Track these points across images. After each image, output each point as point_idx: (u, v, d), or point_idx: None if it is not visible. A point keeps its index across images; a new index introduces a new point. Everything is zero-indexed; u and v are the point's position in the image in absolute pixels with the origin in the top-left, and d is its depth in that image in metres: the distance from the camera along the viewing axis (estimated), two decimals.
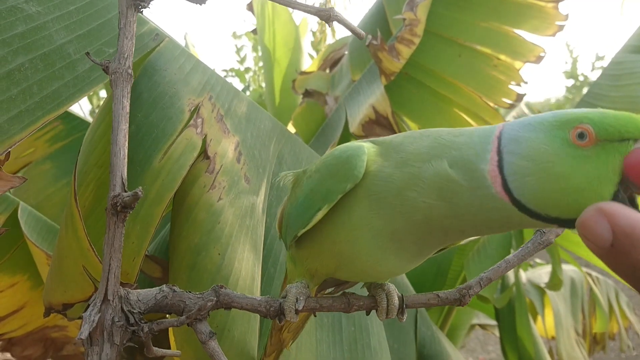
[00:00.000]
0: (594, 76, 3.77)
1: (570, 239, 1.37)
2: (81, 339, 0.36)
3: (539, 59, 1.23)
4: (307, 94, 1.78)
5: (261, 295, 0.65)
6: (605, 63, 3.68)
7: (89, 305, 0.39)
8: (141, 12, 0.41)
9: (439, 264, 1.47)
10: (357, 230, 0.36)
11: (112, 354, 0.36)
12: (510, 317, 1.41)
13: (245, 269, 0.63)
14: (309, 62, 2.68)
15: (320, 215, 0.37)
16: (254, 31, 2.73)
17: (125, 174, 0.36)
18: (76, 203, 0.56)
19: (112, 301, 0.37)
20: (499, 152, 0.31)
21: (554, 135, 0.30)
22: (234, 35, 4.53)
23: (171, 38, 0.65)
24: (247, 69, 4.55)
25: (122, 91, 0.38)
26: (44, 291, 0.62)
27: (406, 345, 1.16)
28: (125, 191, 0.37)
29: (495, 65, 1.26)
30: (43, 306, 1.14)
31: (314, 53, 4.59)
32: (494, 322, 1.70)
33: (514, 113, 2.48)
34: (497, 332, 1.67)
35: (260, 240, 0.69)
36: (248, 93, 4.33)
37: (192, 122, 0.62)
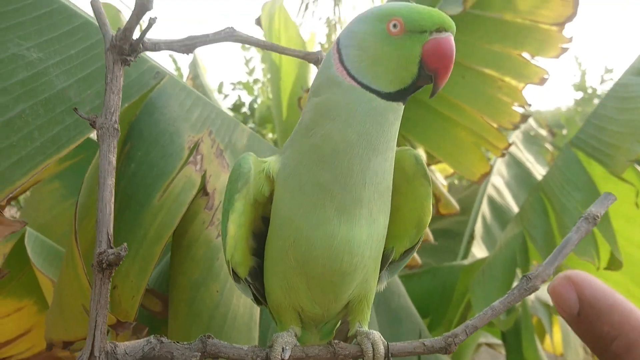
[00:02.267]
0: (602, 89, 3.73)
1: (578, 262, 1.35)
2: None
3: (542, 81, 1.22)
4: None
5: (260, 333, 0.65)
6: (614, 76, 3.66)
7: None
8: (128, 65, 0.42)
9: (444, 285, 1.47)
10: (294, 216, 0.40)
11: None
12: (517, 337, 1.40)
13: (244, 306, 0.63)
14: (315, 75, 2.69)
15: (232, 225, 0.40)
16: None
17: (112, 230, 0.37)
18: (76, 243, 0.57)
19: (99, 357, 0.37)
20: (339, 50, 0.39)
21: (375, 27, 0.38)
22: (243, 47, 4.57)
23: (171, 75, 0.66)
24: (256, 80, 4.58)
25: (109, 146, 0.38)
26: (46, 328, 0.63)
27: None
28: (111, 247, 0.37)
29: (499, 87, 1.25)
30: None
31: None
32: (501, 342, 1.69)
33: (521, 127, 2.47)
34: (504, 352, 1.65)
35: None
36: (256, 105, 4.36)
37: (191, 159, 0.63)
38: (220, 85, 4.45)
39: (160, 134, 0.62)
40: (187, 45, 0.45)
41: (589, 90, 3.92)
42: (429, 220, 0.45)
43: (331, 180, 0.38)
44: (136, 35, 0.41)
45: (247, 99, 4.59)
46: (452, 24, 0.38)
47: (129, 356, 0.39)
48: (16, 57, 0.50)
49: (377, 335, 0.42)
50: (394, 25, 0.37)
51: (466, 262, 1.55)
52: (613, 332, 0.24)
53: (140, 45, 0.42)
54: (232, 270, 0.43)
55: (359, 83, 0.38)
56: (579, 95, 3.91)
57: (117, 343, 0.39)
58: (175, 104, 0.65)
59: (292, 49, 0.53)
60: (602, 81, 3.74)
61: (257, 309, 0.66)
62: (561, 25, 1.15)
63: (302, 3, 5.37)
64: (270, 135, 4.05)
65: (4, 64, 0.49)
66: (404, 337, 1.19)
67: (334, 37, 5.56)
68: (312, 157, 0.39)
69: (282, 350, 0.40)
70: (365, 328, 0.44)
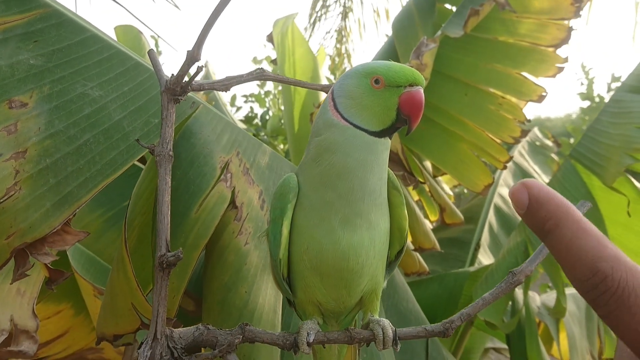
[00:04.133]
0: (610, 97, 3.78)
1: None
2: None
3: (541, 98, 1.30)
4: None
5: (282, 326, 0.74)
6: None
7: (142, 342, 0.49)
8: (178, 102, 0.51)
9: (450, 291, 1.54)
10: (307, 227, 0.49)
11: None
12: (521, 341, 1.46)
13: (268, 304, 0.72)
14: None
15: (285, 230, 0.50)
16: (275, 61, 2.87)
17: (169, 237, 0.46)
18: (126, 249, 0.66)
19: (160, 339, 0.47)
20: (333, 99, 0.49)
21: (361, 82, 0.48)
22: (255, 60, 4.69)
23: (205, 104, 0.76)
24: (267, 93, 4.70)
25: (165, 170, 0.48)
26: (97, 323, 0.72)
27: None
28: (169, 251, 0.47)
29: (500, 103, 1.34)
30: (84, 331, 1.25)
31: (332, 77, 4.72)
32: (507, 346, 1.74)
33: (527, 137, 2.54)
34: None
35: None
36: (268, 117, 4.46)
37: (222, 177, 0.72)
38: (233, 98, 4.58)
39: (196, 156, 0.72)
40: (225, 85, 0.54)
41: (597, 99, 3.97)
42: (407, 224, 0.54)
43: (336, 197, 0.48)
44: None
45: (258, 110, 4.70)
46: (422, 79, 0.48)
47: (182, 339, 0.48)
48: (83, 95, 0.60)
49: (386, 322, 0.51)
50: (376, 81, 0.47)
51: (472, 269, 1.62)
52: (547, 215, 0.34)
53: (189, 87, 0.51)
54: (281, 270, 0.52)
55: (351, 124, 0.48)
56: (586, 104, 3.96)
57: (173, 329, 0.48)
58: (208, 129, 0.74)
59: (311, 84, 0.62)
60: (609, 90, 3.79)
61: (279, 308, 0.75)
62: (556, 47, 1.24)
63: (310, 18, 5.51)
64: (281, 146, 4.15)
65: (73, 102, 0.59)
66: (414, 339, 1.26)
67: (343, 50, 5.71)
68: (320, 181, 0.48)
69: (307, 335, 0.49)
70: (376, 317, 0.52)
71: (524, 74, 1.30)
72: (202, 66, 0.50)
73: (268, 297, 0.73)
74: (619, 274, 0.31)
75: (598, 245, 0.32)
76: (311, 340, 0.49)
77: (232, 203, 0.73)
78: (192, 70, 0.52)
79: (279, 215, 0.50)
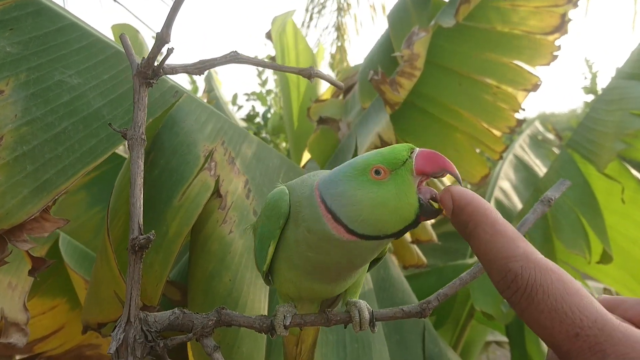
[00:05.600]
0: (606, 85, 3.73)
1: (576, 257, 1.41)
2: (110, 353, 0.45)
3: (536, 87, 1.29)
4: (322, 121, 1.88)
5: (269, 315, 0.73)
6: None
7: (115, 326, 0.49)
8: (151, 87, 0.51)
9: (447, 277, 1.52)
10: (287, 267, 0.48)
11: None
12: (520, 333, 1.45)
13: (253, 293, 0.72)
14: (325, 85, 2.79)
15: (271, 250, 0.48)
16: (274, 59, 2.87)
17: (142, 220, 0.46)
18: (109, 238, 0.66)
19: (134, 323, 0.46)
20: (330, 211, 0.41)
21: (360, 180, 0.40)
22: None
23: (188, 93, 0.76)
24: (269, 91, 4.70)
25: (138, 153, 0.48)
26: (83, 312, 0.72)
27: None
28: (142, 234, 0.46)
29: (495, 93, 1.33)
30: (80, 326, 1.26)
31: (332, 74, 4.71)
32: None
33: (528, 131, 2.52)
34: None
35: None
36: (269, 115, 4.47)
37: (206, 165, 0.72)
38: (235, 97, 4.59)
39: (179, 144, 0.72)
40: (199, 68, 0.54)
41: (600, 93, 3.93)
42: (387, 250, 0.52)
43: (319, 277, 0.47)
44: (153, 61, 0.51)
45: (260, 109, 4.71)
46: (413, 145, 0.42)
47: (157, 323, 0.48)
48: (61, 83, 0.60)
49: (363, 303, 0.50)
50: (377, 172, 0.40)
51: (470, 261, 1.61)
52: (467, 218, 0.35)
53: (160, 70, 0.51)
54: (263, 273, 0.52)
55: (359, 235, 0.40)
56: (590, 98, 3.92)
57: (148, 313, 0.48)
58: (192, 118, 0.74)
59: (288, 67, 0.62)
60: None
61: (266, 297, 0.75)
62: (550, 34, 1.22)
63: (307, 14, 5.51)
64: (283, 144, 4.15)
65: (51, 89, 0.59)
66: (408, 332, 1.26)
67: (340, 46, 5.70)
68: (307, 260, 0.45)
69: (284, 318, 0.48)
70: (355, 299, 0.52)
71: (519, 62, 1.29)
72: (172, 48, 0.50)
73: (253, 286, 0.73)
74: (528, 271, 0.31)
75: (510, 245, 0.33)
76: (288, 324, 0.49)
77: (217, 192, 0.73)
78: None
79: (266, 236, 0.48)
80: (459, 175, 0.39)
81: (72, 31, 0.63)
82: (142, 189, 0.47)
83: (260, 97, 4.70)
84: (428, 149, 0.40)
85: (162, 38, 0.48)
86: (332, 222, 0.41)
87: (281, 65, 0.58)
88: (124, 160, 1.38)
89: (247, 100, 4.75)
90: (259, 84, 4.73)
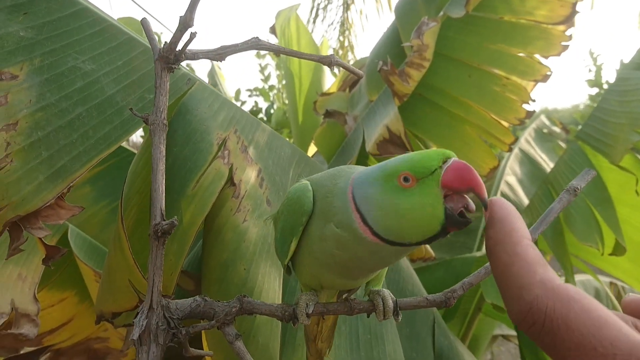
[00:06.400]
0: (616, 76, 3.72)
1: (587, 250, 1.40)
2: (133, 339, 0.45)
3: (546, 78, 1.28)
4: (328, 114, 1.87)
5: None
6: None
7: (138, 312, 0.48)
8: (172, 72, 0.50)
9: (457, 276, 1.52)
10: (310, 261, 0.48)
11: (157, 352, 0.45)
12: None
13: (268, 282, 0.71)
14: (329, 80, 2.78)
15: (293, 246, 0.47)
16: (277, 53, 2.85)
17: (164, 206, 0.45)
18: (123, 226, 0.66)
19: (156, 309, 0.46)
20: (359, 210, 0.41)
21: (388, 186, 0.39)
22: (258, 55, 4.69)
23: (201, 81, 0.75)
24: (272, 87, 4.69)
25: (159, 138, 0.47)
26: (96, 302, 0.71)
27: (424, 354, 1.22)
28: (164, 220, 0.46)
29: (505, 84, 1.32)
30: (89, 319, 1.25)
31: (336, 70, 4.68)
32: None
33: (534, 125, 2.51)
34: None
35: None
36: (272, 111, 4.46)
37: (220, 153, 0.71)
38: (238, 92, 4.58)
39: (192, 132, 0.71)
40: (220, 54, 0.53)
41: (605, 86, 3.91)
42: None
43: (343, 273, 0.46)
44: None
45: (263, 105, 4.70)
46: (452, 153, 0.39)
47: (179, 311, 0.47)
48: (74, 68, 0.59)
49: (386, 292, 0.50)
50: (405, 179, 0.38)
51: (478, 254, 1.61)
52: (492, 234, 0.33)
53: (182, 56, 0.50)
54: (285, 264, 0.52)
55: (383, 239, 0.40)
56: (594, 91, 3.91)
57: (169, 300, 0.47)
58: (205, 106, 0.73)
59: (309, 54, 0.61)
60: None
61: (280, 286, 0.74)
62: (561, 24, 1.21)
63: (312, 9, 5.48)
64: (287, 139, 4.15)
65: (65, 75, 0.58)
66: (419, 323, 1.25)
67: (346, 43, 5.68)
68: (331, 256, 0.44)
69: (307, 306, 0.48)
70: (378, 288, 0.51)
71: (529, 53, 1.28)
72: (195, 33, 0.49)
73: (267, 275, 0.72)
74: (545, 302, 0.27)
75: (527, 271, 0.29)
76: (310, 312, 0.48)
77: (230, 180, 0.72)
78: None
79: (289, 232, 0.48)
80: (487, 198, 0.37)
81: (85, 16, 0.63)
82: (164, 175, 0.47)
83: (263, 92, 4.69)
84: (462, 163, 0.38)
85: (186, 22, 0.48)
86: (360, 222, 0.41)
87: (302, 52, 0.57)
88: (129, 153, 1.37)
89: (249, 96, 4.75)
90: (261, 79, 4.72)
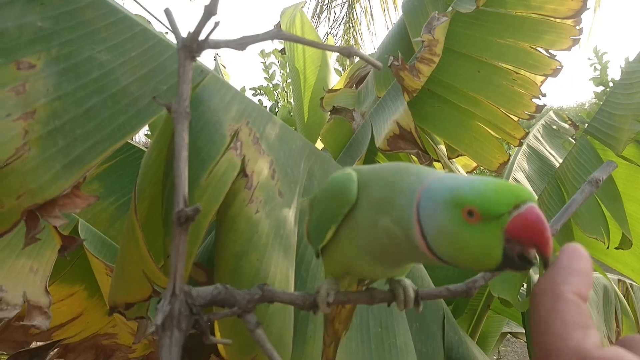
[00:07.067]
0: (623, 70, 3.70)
1: (595, 247, 1.39)
2: (157, 324, 0.45)
3: (556, 72, 1.28)
4: (335, 110, 1.87)
5: None
6: None
7: (161, 298, 0.48)
8: (195, 61, 0.50)
9: (466, 273, 1.52)
10: (349, 247, 0.47)
11: (180, 337, 0.45)
12: None
13: (280, 273, 0.71)
14: (334, 78, 2.78)
15: (330, 233, 0.47)
16: (283, 51, 2.86)
17: (187, 192, 0.45)
18: (136, 217, 0.66)
19: (179, 295, 0.46)
20: (419, 221, 0.40)
21: (452, 215, 0.38)
22: (262, 54, 4.69)
23: (213, 73, 0.75)
24: (276, 86, 4.69)
25: (182, 126, 0.47)
26: (109, 293, 0.72)
27: (434, 349, 1.22)
28: (187, 206, 0.46)
29: (514, 79, 1.31)
30: (98, 314, 1.26)
31: (339, 68, 4.70)
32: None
33: (542, 121, 2.50)
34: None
35: (293, 248, 0.77)
36: (277, 109, 4.47)
37: (232, 145, 0.71)
38: (242, 90, 4.59)
39: (205, 123, 0.71)
40: (242, 44, 0.53)
41: (611, 84, 3.89)
42: None
43: (383, 261, 0.46)
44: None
45: (267, 103, 4.71)
46: (530, 194, 0.36)
47: (200, 297, 0.47)
48: (90, 59, 0.59)
49: (408, 282, 0.49)
50: (469, 213, 0.37)
51: None
52: (540, 281, 0.32)
53: (205, 44, 0.50)
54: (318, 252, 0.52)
55: (437, 257, 0.40)
56: (600, 89, 3.89)
57: (191, 287, 0.48)
58: (217, 98, 0.74)
59: (328, 45, 0.60)
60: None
61: (292, 277, 0.74)
62: (571, 18, 1.21)
63: (317, 6, 5.49)
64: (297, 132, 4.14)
65: (81, 65, 0.58)
66: (429, 318, 1.25)
67: (351, 40, 5.69)
68: (380, 245, 0.44)
69: (327, 295, 0.48)
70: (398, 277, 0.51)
71: (539, 48, 1.27)
72: (219, 22, 0.49)
73: (280, 266, 0.72)
74: None
75: (562, 333, 0.27)
76: (331, 300, 0.48)
77: (243, 171, 0.72)
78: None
79: (328, 219, 0.47)
80: (550, 258, 0.35)
81: (101, 7, 0.63)
82: (187, 162, 0.47)
83: (267, 91, 4.70)
84: (534, 214, 0.35)
85: (210, 10, 0.48)
86: (419, 233, 0.40)
87: (321, 43, 0.57)
88: (137, 150, 1.38)
89: (253, 94, 4.75)
90: (265, 78, 4.72)
